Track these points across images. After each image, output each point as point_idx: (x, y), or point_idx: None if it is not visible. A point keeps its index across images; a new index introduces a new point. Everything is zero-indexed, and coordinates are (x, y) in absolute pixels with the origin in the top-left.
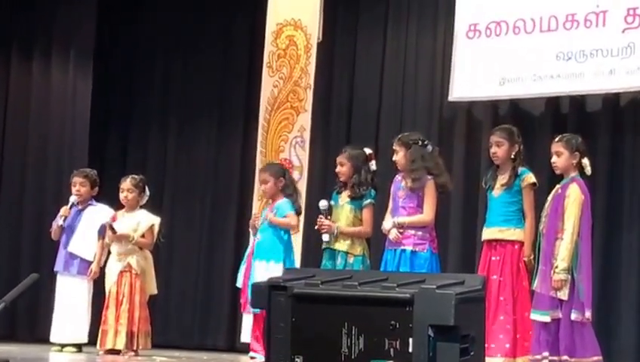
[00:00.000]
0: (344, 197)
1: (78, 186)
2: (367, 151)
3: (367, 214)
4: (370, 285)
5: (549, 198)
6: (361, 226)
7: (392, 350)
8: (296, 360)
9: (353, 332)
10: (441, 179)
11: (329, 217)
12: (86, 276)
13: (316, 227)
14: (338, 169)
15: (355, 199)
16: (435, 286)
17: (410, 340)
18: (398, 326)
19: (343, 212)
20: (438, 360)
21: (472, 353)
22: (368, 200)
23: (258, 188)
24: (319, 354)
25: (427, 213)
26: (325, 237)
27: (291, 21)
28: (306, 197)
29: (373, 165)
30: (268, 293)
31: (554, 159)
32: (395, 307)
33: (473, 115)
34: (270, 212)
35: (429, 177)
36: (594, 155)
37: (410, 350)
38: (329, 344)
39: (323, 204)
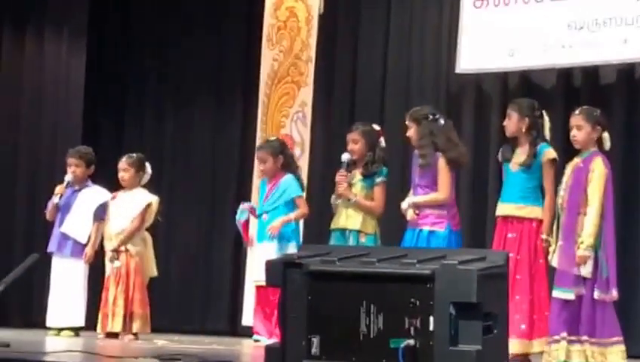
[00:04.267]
0: (356, 175)
1: (73, 168)
2: (376, 127)
3: (379, 192)
4: (388, 261)
5: (568, 172)
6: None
7: (412, 328)
8: (313, 340)
9: (372, 311)
10: (451, 154)
11: (349, 174)
12: (81, 258)
13: (337, 179)
14: (350, 146)
15: (367, 177)
16: (456, 262)
17: (431, 318)
18: (418, 303)
19: (355, 190)
20: (460, 338)
21: (495, 331)
22: (380, 178)
23: (258, 167)
24: (337, 334)
25: (442, 191)
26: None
27: None
28: (308, 174)
29: (382, 142)
30: (283, 271)
31: (574, 133)
32: (415, 284)
33: (482, 88)
34: (273, 189)
35: (439, 154)
36: (608, 129)
37: (431, 328)
38: (347, 323)
39: (346, 156)
